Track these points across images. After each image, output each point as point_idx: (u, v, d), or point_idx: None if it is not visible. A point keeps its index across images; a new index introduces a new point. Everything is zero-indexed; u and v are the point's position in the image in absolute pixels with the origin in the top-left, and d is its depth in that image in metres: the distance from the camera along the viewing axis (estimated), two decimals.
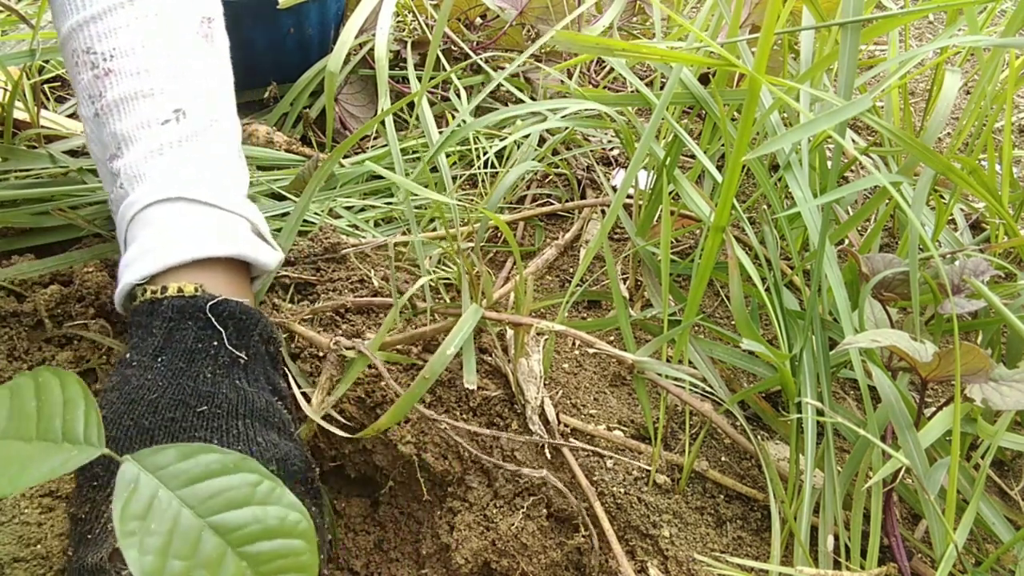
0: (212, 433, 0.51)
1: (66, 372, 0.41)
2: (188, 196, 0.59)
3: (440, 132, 0.85)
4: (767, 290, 0.64)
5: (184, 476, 0.37)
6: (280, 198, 0.86)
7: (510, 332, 0.69)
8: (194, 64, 0.64)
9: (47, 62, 1.00)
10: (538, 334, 0.69)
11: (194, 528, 0.36)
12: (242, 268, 0.62)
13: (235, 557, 0.36)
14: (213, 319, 0.55)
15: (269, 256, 0.62)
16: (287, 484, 0.40)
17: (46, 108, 0.94)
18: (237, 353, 0.55)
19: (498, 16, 1.17)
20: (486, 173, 0.95)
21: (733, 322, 0.79)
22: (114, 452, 0.38)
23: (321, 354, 0.65)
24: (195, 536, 0.36)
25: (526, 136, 0.94)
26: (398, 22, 1.21)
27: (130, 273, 0.56)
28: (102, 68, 0.60)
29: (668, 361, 0.67)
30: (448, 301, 0.74)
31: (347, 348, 0.62)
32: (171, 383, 0.52)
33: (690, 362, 0.68)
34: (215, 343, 0.55)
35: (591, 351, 0.76)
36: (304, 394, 0.62)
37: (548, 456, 0.64)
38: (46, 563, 0.51)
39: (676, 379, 0.64)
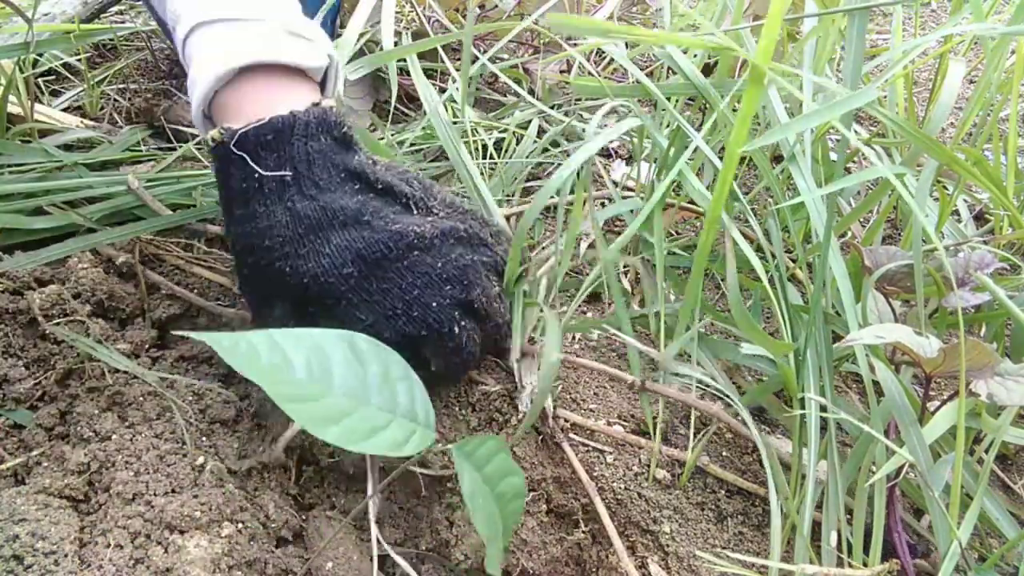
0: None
1: (383, 347, 0.47)
2: (235, 17, 0.59)
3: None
4: (770, 283, 0.64)
5: None
6: None
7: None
8: None
9: (41, 55, 0.99)
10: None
11: None
12: (289, 72, 0.61)
13: None
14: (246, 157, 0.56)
15: (316, 59, 0.61)
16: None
17: (41, 102, 0.93)
18: (282, 173, 0.57)
19: (496, 6, 1.16)
20: (484, 165, 0.94)
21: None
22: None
23: None
24: None
25: (525, 127, 0.93)
26: (396, 13, 1.20)
27: (198, 92, 0.58)
28: None
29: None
30: None
31: None
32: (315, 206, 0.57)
33: (697, 361, 0.67)
34: (275, 182, 0.57)
35: (591, 344, 0.75)
36: None
37: (548, 451, 0.63)
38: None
39: (684, 376, 0.63)
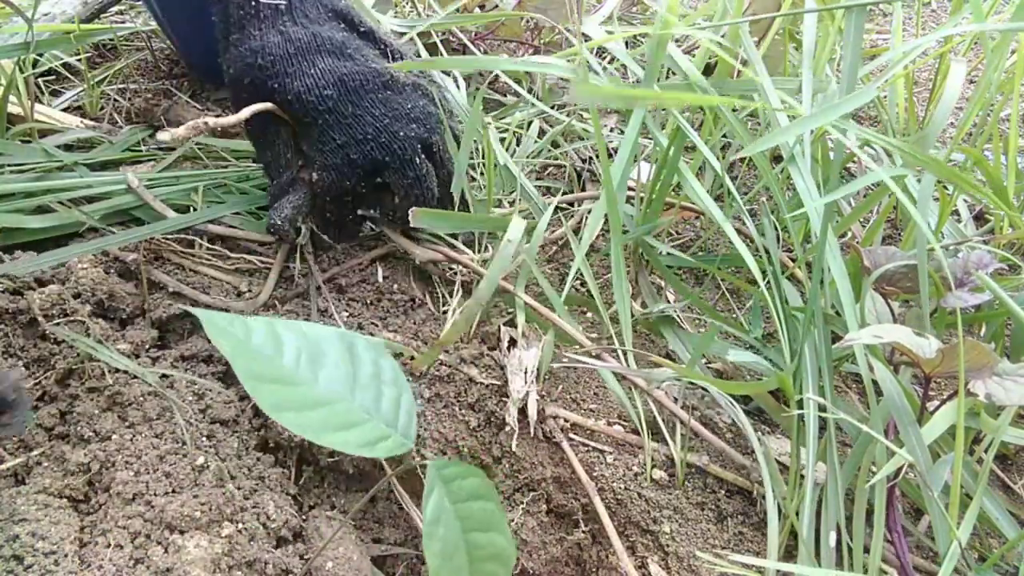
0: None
1: (380, 350, 0.46)
2: None
3: None
4: (767, 285, 0.64)
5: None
6: None
7: (516, 330, 0.69)
8: None
9: (41, 55, 0.99)
10: (534, 333, 0.69)
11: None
12: None
13: None
14: None
15: None
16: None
17: (41, 102, 0.93)
18: (277, 1, 0.64)
19: (497, 6, 1.16)
20: (481, 165, 0.94)
21: (735, 316, 0.79)
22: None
23: None
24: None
25: (525, 128, 0.93)
26: (396, 12, 1.19)
27: None
28: None
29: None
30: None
31: None
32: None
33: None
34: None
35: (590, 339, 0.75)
36: None
37: (548, 451, 0.63)
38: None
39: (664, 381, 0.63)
